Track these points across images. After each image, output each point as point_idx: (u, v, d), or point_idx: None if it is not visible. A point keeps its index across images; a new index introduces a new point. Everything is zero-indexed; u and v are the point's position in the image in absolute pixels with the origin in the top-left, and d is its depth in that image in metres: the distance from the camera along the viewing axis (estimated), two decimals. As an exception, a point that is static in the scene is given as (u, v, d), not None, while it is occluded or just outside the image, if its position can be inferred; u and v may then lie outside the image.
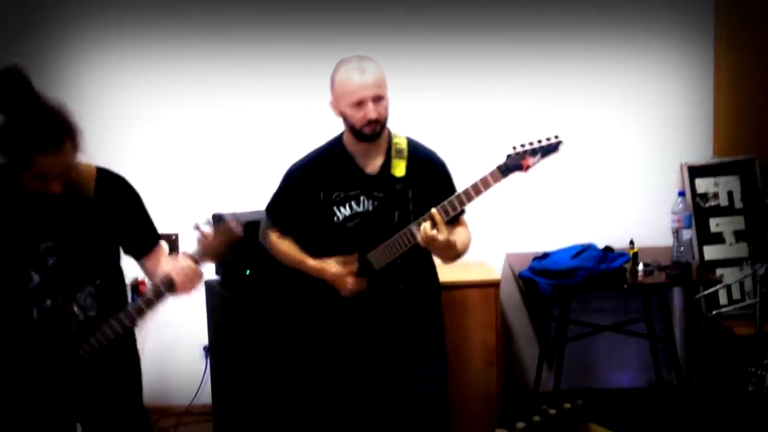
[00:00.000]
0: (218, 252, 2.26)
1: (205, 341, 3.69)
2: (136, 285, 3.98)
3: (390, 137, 2.73)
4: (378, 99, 2.58)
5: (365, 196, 2.67)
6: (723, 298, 3.85)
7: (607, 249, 3.73)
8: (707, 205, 3.96)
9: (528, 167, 2.47)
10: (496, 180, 2.47)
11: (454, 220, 2.63)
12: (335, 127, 4.03)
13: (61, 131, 2.13)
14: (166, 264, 2.40)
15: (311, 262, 2.72)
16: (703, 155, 4.07)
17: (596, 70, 4.06)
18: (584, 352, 4.21)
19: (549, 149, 2.46)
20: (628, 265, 3.70)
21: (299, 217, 2.76)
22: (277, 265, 3.00)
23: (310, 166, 2.75)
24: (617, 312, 4.13)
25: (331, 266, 2.68)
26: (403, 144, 2.72)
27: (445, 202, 2.49)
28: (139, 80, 3.97)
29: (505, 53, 4.01)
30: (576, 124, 3.98)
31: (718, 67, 4.07)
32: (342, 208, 2.68)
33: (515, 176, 2.52)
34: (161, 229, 4.16)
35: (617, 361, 4.26)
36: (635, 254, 3.77)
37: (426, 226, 2.47)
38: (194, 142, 4.05)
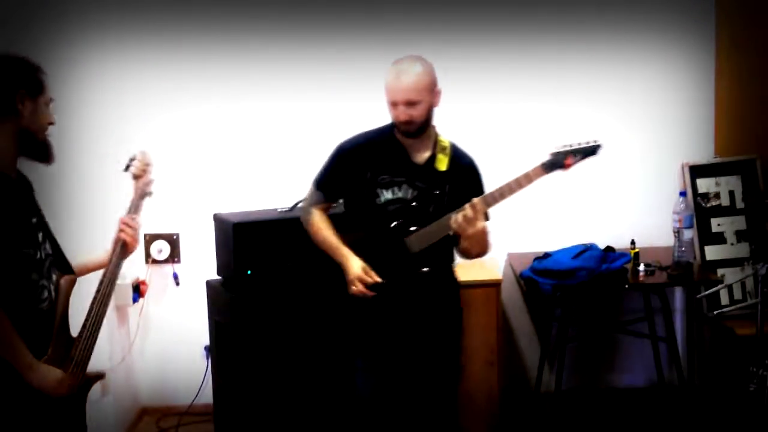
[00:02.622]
0: None
1: (207, 341, 3.69)
2: (137, 285, 3.98)
3: (436, 135, 2.81)
4: (410, 103, 2.65)
5: (408, 184, 2.76)
6: (724, 298, 3.84)
7: (609, 249, 3.73)
8: (708, 205, 3.95)
9: (569, 166, 2.55)
10: (538, 176, 2.55)
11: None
12: (335, 128, 4.03)
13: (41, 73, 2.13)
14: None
15: (343, 251, 2.76)
16: (704, 155, 4.06)
17: (596, 70, 4.06)
18: (585, 352, 4.21)
19: (589, 151, 2.55)
20: (629, 265, 3.70)
21: (344, 193, 2.85)
22: (278, 263, 2.98)
23: (362, 145, 2.82)
24: (618, 312, 4.13)
25: (355, 267, 2.70)
26: (446, 143, 2.81)
27: (487, 194, 2.59)
28: (139, 80, 3.97)
29: (504, 53, 4.01)
30: (577, 123, 3.97)
31: (719, 67, 4.07)
32: (385, 192, 2.76)
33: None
34: (162, 229, 4.18)
35: (618, 361, 4.25)
36: (636, 254, 3.77)
37: (467, 211, 2.53)
38: (194, 142, 4.04)
